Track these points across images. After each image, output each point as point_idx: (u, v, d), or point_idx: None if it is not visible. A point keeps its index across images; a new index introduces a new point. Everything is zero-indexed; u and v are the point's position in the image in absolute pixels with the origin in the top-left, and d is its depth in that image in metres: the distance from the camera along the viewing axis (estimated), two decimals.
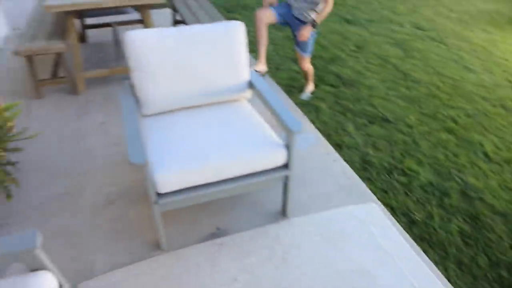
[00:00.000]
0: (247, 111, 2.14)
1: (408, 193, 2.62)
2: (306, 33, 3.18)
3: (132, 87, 2.09)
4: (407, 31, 5.64)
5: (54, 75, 3.39)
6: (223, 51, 2.04)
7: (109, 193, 2.33)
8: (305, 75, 3.75)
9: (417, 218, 2.42)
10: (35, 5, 4.14)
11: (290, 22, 3.34)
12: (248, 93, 2.22)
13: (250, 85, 2.19)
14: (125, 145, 2.66)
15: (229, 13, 6.04)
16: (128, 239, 2.04)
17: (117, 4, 2.93)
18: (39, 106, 3.21)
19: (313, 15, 3.19)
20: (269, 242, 1.99)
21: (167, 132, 1.94)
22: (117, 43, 3.87)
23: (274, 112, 1.92)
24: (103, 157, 2.62)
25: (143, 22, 3.27)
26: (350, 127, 3.31)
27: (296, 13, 3.26)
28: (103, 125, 2.95)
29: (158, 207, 1.77)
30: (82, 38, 4.36)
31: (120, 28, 4.46)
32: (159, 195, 1.75)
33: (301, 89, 3.82)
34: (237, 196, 2.31)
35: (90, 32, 4.53)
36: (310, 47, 3.42)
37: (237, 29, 2.07)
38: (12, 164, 2.12)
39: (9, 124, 2.19)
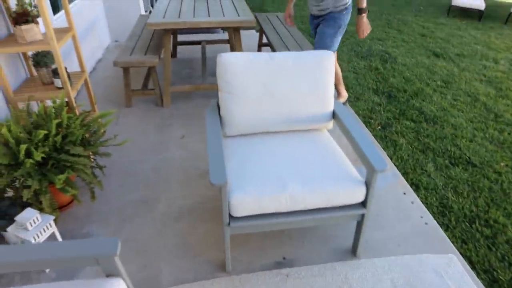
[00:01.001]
0: (328, 141, 2.11)
1: (492, 247, 2.38)
2: (363, 27, 3.00)
3: (218, 107, 2.16)
4: (502, 69, 5.24)
5: (145, 86, 3.63)
6: (311, 80, 2.04)
7: (181, 206, 2.41)
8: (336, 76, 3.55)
9: (500, 277, 2.18)
10: (137, 21, 4.50)
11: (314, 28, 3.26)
12: (331, 124, 2.19)
13: (334, 115, 2.16)
14: (203, 161, 2.78)
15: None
16: (194, 255, 2.08)
17: (212, 25, 3.08)
18: (128, 114, 3.44)
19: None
20: (337, 281, 1.91)
21: (248, 155, 1.96)
22: (204, 61, 4.06)
23: (357, 147, 1.87)
24: (180, 170, 2.73)
25: (231, 42, 3.42)
26: (430, 167, 3.11)
27: (314, 10, 3.11)
28: (183, 139, 3.08)
29: (229, 230, 1.78)
30: (173, 54, 4.65)
31: (209, 46, 4.69)
32: (232, 217, 1.76)
33: (380, 122, 3.69)
34: (307, 228, 2.26)
35: (180, 48, 4.82)
36: (331, 42, 3.11)
37: (327, 58, 2.06)
38: (101, 168, 2.28)
39: (102, 130, 2.36)
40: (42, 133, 1.96)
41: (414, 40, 6.34)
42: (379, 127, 3.63)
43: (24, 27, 2.28)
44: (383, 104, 4.07)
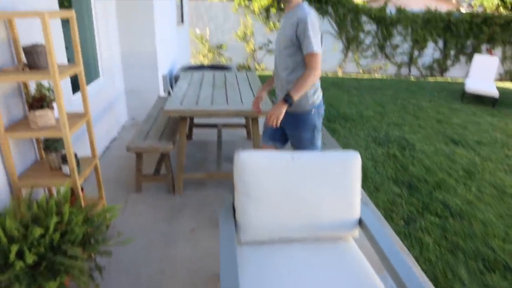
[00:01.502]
0: (354, 254, 1.87)
1: None
2: (275, 113, 2.32)
3: (233, 208, 1.98)
4: None
5: (157, 171, 3.51)
6: (336, 183, 1.86)
7: None
8: None
9: None
10: (155, 102, 4.53)
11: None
12: (357, 232, 1.97)
13: (360, 222, 1.94)
14: (214, 262, 2.51)
15: (329, 123, 6.07)
16: None
17: (230, 114, 3.02)
18: (137, 200, 3.28)
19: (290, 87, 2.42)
20: None
21: (263, 267, 1.73)
22: (220, 144, 3.97)
23: (386, 261, 1.63)
24: (187, 271, 2.47)
25: (247, 128, 3.35)
26: (463, 272, 2.80)
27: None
28: (193, 232, 2.86)
29: None
30: (188, 135, 4.60)
31: (225, 130, 4.65)
32: None
33: (403, 217, 3.45)
34: None
35: (196, 130, 4.79)
36: (315, 146, 2.61)
37: (354, 160, 1.90)
38: (100, 270, 2.06)
39: (106, 224, 2.18)
40: (38, 231, 1.79)
41: (430, 126, 6.28)
42: (402, 223, 3.38)
43: (38, 112, 2.22)
44: (405, 196, 3.85)
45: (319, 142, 2.62)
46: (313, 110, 2.49)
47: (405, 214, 3.50)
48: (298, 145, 2.59)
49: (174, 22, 6.97)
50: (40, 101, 2.25)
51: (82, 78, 2.50)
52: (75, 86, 3.44)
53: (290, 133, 2.62)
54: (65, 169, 2.39)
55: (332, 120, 6.28)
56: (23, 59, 2.35)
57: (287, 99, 2.30)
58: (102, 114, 4.23)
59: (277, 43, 2.51)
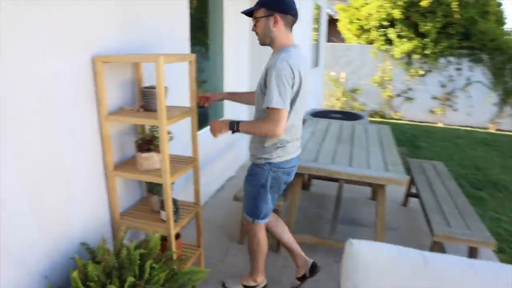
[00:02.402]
0: None
1: None
2: (217, 126, 2.14)
3: None
4: None
5: None
6: None
7: None
8: (249, 250, 2.49)
9: None
10: None
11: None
12: None
13: None
14: None
15: (475, 190, 5.03)
16: None
17: (352, 178, 2.58)
18: (237, 252, 3.02)
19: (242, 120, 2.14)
20: None
21: None
22: (339, 203, 3.51)
23: None
24: None
25: (375, 193, 2.83)
26: None
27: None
28: None
29: None
30: (306, 186, 4.24)
31: (347, 186, 4.15)
32: None
33: None
34: None
35: (315, 181, 4.40)
36: (256, 206, 2.25)
37: None
38: None
39: (190, 286, 1.93)
40: None
41: None
42: None
43: (144, 154, 2.14)
44: None
45: (265, 206, 2.25)
46: (266, 166, 2.16)
47: None
48: (245, 197, 2.32)
49: (308, 64, 6.84)
50: (148, 143, 2.17)
51: (195, 123, 2.37)
52: (203, 121, 3.40)
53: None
54: (163, 214, 2.24)
55: (477, 186, 5.19)
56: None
57: (233, 124, 2.09)
58: (220, 153, 4.17)
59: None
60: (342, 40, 11.59)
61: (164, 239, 2.27)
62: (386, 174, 2.53)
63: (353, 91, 10.49)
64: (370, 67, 10.25)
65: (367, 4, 10.19)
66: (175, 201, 2.27)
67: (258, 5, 2.01)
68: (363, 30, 10.49)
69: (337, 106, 10.57)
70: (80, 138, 1.99)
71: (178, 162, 2.36)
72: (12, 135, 1.61)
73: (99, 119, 2.09)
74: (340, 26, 11.13)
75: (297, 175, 2.77)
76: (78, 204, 2.04)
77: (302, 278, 2.55)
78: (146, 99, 2.14)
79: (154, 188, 2.33)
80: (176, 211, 2.28)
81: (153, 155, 2.16)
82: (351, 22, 10.70)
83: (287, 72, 1.93)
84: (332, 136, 3.53)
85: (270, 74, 1.94)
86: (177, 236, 2.43)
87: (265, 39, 2.07)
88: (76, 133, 1.96)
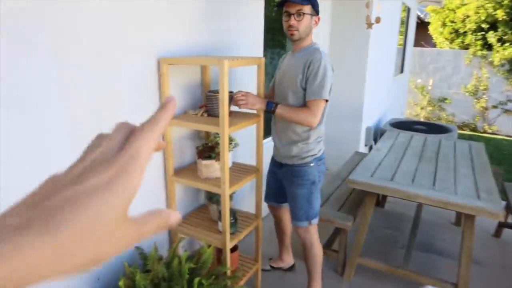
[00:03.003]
0: None
1: None
2: (249, 98, 2.01)
3: None
4: None
5: (329, 244, 2.95)
6: None
7: None
8: (306, 262, 2.41)
9: None
10: (350, 157, 4.02)
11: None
12: None
13: None
14: None
15: None
16: None
17: (433, 204, 2.24)
18: (298, 267, 2.81)
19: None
20: None
21: None
22: (416, 227, 3.13)
23: None
24: None
25: (461, 220, 2.44)
26: None
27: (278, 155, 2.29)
28: None
29: None
30: (380, 202, 3.89)
31: (428, 206, 3.72)
32: None
33: None
34: None
35: (391, 197, 4.02)
36: (311, 206, 2.23)
37: None
38: None
39: None
40: None
41: None
42: None
43: (204, 162, 2.03)
44: None
45: (317, 202, 2.27)
46: (312, 162, 2.18)
47: None
48: (294, 204, 2.26)
49: (391, 71, 6.35)
50: (210, 150, 2.06)
51: (260, 130, 2.22)
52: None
53: (287, 190, 2.30)
54: (220, 226, 2.12)
55: None
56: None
57: (271, 104, 2.05)
58: None
59: (278, 85, 2.20)
60: (432, 44, 10.72)
61: (220, 251, 2.15)
62: (478, 203, 2.15)
63: (441, 100, 9.62)
64: (462, 74, 9.32)
65: (464, 5, 9.27)
66: (234, 212, 2.14)
67: (307, 2, 2.00)
68: (457, 33, 9.58)
69: (422, 115, 9.77)
70: None
71: (240, 171, 2.23)
72: (69, 135, 1.58)
73: None
74: (431, 29, 10.30)
75: (371, 193, 2.48)
76: (135, 208, 1.99)
77: (275, 268, 2.81)
78: (210, 104, 2.04)
79: (213, 197, 2.22)
80: (234, 223, 2.14)
81: (213, 163, 2.04)
82: (443, 25, 9.84)
83: (329, 67, 2.03)
84: (414, 152, 3.15)
85: (316, 68, 1.99)
86: (234, 248, 2.30)
87: (302, 35, 2.06)
88: None
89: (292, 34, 2.04)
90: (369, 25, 3.40)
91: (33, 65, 1.39)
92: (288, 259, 2.81)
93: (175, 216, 0.33)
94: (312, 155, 2.17)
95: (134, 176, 0.28)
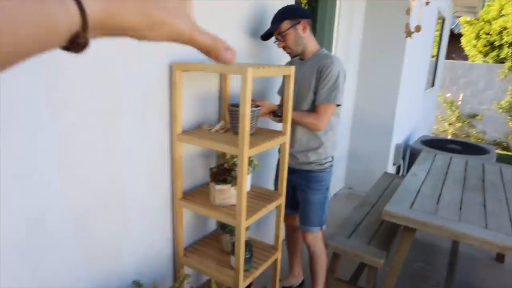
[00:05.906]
0: None
1: None
2: (266, 109, 1.96)
3: None
4: None
5: (355, 279, 2.60)
6: None
7: None
8: (313, 270, 2.37)
9: None
10: (379, 178, 3.67)
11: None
12: None
13: None
14: None
15: None
16: None
17: (485, 246, 1.88)
18: None
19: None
20: None
21: None
22: (453, 262, 2.76)
23: None
24: None
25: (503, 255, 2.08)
26: None
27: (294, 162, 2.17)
28: None
29: None
30: None
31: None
32: None
33: None
34: None
35: None
36: (323, 211, 2.23)
37: None
38: None
39: None
40: None
41: None
42: None
43: (218, 186, 1.73)
44: None
45: (327, 207, 2.28)
46: (328, 167, 2.19)
47: None
48: (308, 209, 2.21)
49: (424, 85, 5.95)
50: (225, 173, 1.76)
51: (285, 151, 1.90)
52: None
53: (301, 196, 2.24)
54: (232, 260, 1.81)
55: None
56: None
57: (279, 112, 1.99)
58: None
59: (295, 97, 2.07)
60: (463, 57, 10.23)
61: None
62: None
63: (471, 116, 9.12)
64: (496, 90, 8.81)
65: (502, 16, 8.77)
66: (249, 245, 1.83)
67: (279, 21, 1.98)
68: (492, 46, 9.08)
69: (449, 132, 9.28)
70: (144, 158, 1.65)
71: (259, 198, 1.91)
72: (62, 144, 1.30)
73: (171, 137, 1.74)
74: (464, 41, 9.82)
75: (411, 230, 2.13)
76: (135, 235, 1.71)
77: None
78: (232, 119, 1.73)
79: (226, 226, 1.92)
80: (249, 258, 1.83)
81: (229, 188, 1.74)
82: (477, 37, 9.35)
83: (342, 71, 1.99)
84: (455, 178, 2.77)
85: (326, 72, 1.94)
86: (249, 286, 1.98)
87: (298, 48, 2.04)
88: (141, 151, 1.63)
89: (289, 53, 2.08)
90: (409, 33, 3.05)
91: (32, 69, 1.12)
92: (300, 273, 2.74)
93: (229, 56, 0.36)
94: (330, 161, 2.19)
95: None
